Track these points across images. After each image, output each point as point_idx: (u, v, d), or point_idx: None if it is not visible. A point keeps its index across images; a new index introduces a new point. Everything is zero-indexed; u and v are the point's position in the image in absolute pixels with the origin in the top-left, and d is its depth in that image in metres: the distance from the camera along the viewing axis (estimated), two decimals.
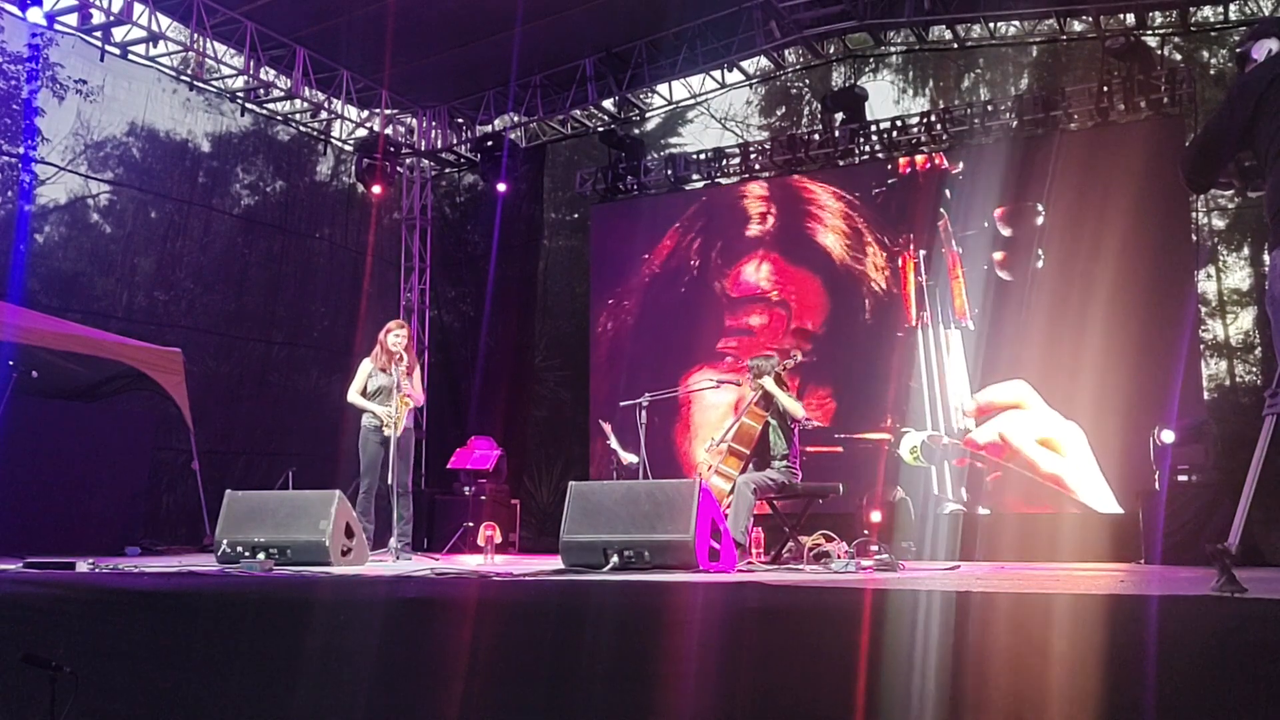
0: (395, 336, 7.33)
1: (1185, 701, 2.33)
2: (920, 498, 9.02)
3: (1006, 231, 9.45)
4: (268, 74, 10.74)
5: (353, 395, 7.38)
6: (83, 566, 5.44)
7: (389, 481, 7.10)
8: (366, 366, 7.40)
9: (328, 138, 11.97)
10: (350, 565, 5.96)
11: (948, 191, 9.79)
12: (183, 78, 10.38)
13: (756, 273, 10.67)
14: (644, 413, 7.36)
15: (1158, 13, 9.55)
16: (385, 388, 7.29)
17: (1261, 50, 3.73)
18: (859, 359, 9.97)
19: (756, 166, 11.03)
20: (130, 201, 10.63)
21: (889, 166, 10.21)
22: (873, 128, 10.39)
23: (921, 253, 9.83)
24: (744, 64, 11.15)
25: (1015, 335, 9.21)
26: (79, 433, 8.52)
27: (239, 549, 5.93)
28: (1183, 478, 7.58)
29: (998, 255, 9.46)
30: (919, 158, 10.06)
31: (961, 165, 9.78)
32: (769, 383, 6.67)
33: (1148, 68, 9.06)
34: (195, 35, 9.74)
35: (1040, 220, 9.29)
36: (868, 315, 10.05)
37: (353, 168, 11.93)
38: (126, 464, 8.84)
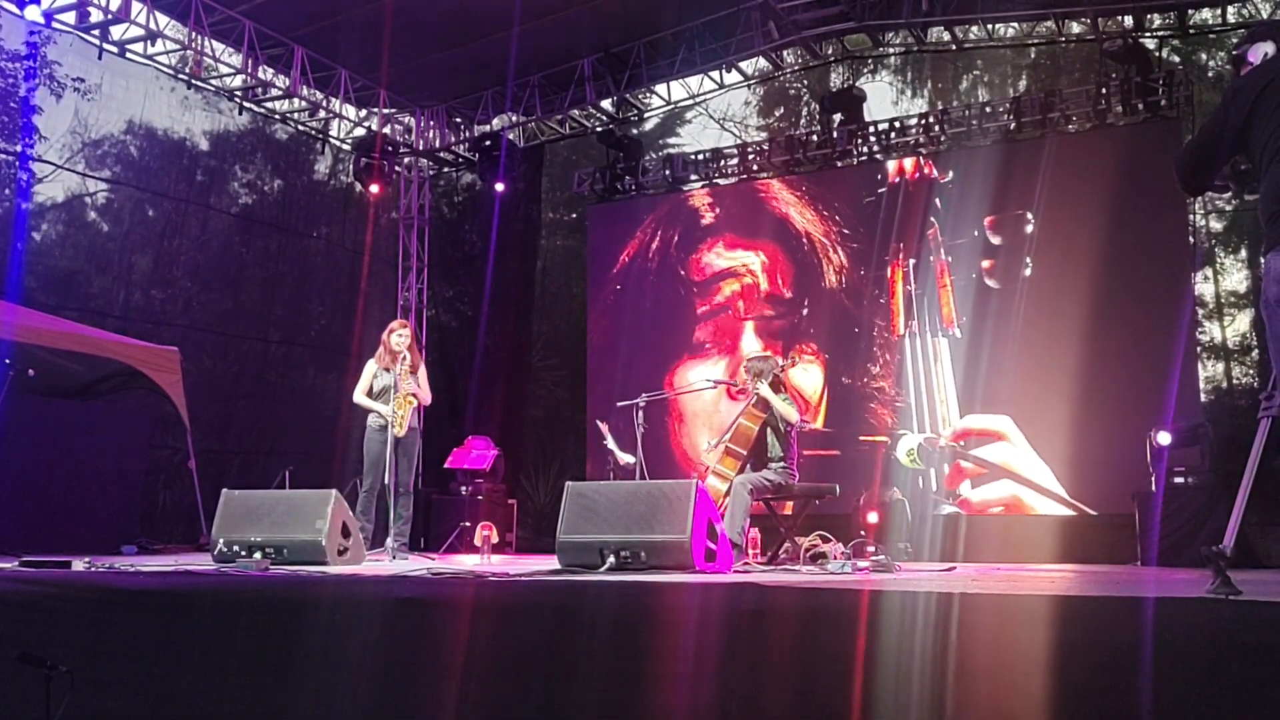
0: (398, 336, 7.34)
1: (1180, 703, 2.33)
2: (916, 499, 9.03)
3: (996, 240, 9.46)
4: (266, 73, 10.73)
5: (358, 396, 7.40)
6: (79, 565, 5.44)
7: (386, 481, 7.10)
8: (371, 367, 7.41)
9: (326, 137, 11.96)
10: (347, 565, 5.97)
11: (938, 201, 9.80)
12: (181, 76, 10.36)
13: (712, 251, 10.86)
14: (641, 413, 7.37)
15: (1156, 15, 9.57)
16: (389, 387, 7.31)
17: (1257, 54, 3.74)
18: (856, 360, 9.98)
19: (755, 167, 11.03)
20: (128, 200, 10.61)
21: (879, 176, 10.21)
22: (870, 129, 10.40)
23: (911, 261, 9.84)
24: (742, 65, 11.16)
25: (1005, 343, 9.21)
26: (75, 431, 8.51)
27: (235, 548, 5.93)
28: (1179, 480, 7.60)
29: (985, 263, 9.47)
30: (908, 165, 10.06)
31: (951, 174, 9.79)
32: (764, 387, 6.67)
33: (1145, 70, 9.07)
34: (193, 34, 9.74)
35: (1030, 228, 9.30)
36: (841, 281, 10.17)
37: (351, 167, 11.91)
38: (123, 462, 8.83)
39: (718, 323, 10.71)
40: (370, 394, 7.35)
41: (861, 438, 9.68)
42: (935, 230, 9.77)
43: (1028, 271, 9.28)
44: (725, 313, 10.68)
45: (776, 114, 15.05)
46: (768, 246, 10.59)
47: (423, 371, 7.52)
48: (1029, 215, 9.30)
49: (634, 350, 11.00)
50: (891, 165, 10.20)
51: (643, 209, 11.46)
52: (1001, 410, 9.20)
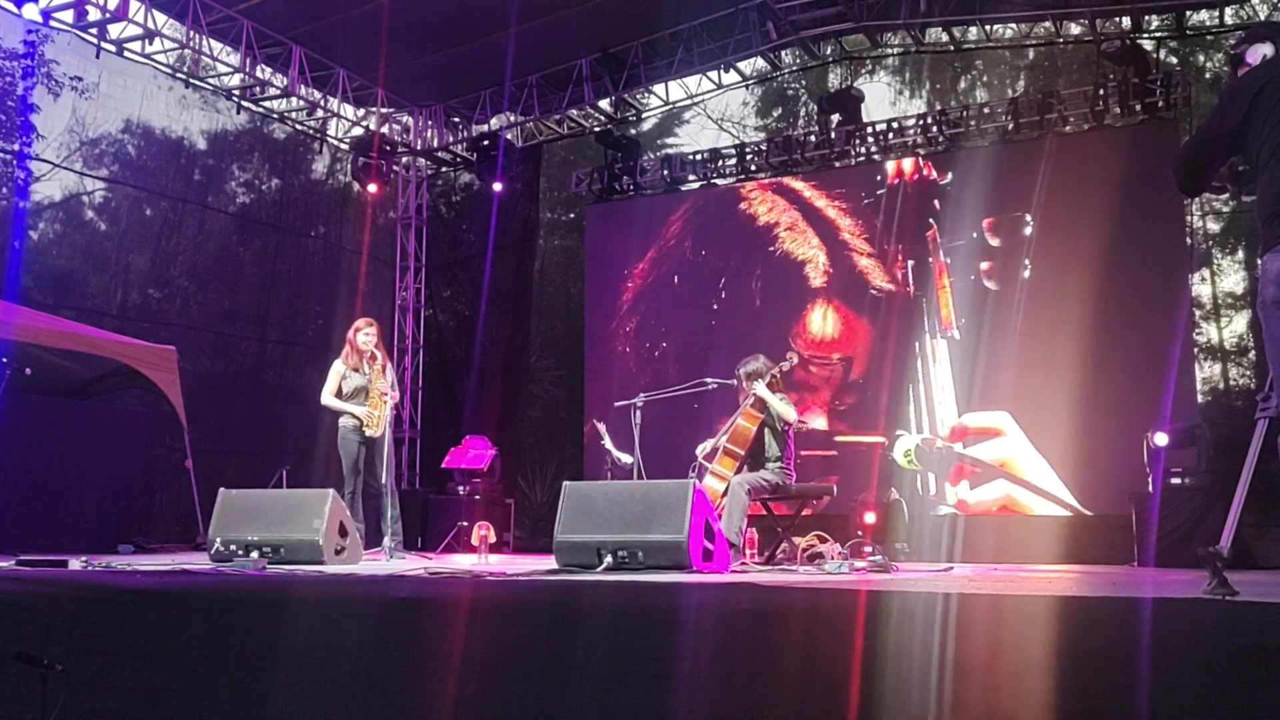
0: (365, 335, 7.30)
1: (1177, 704, 2.33)
2: (914, 500, 9.03)
3: (995, 242, 9.47)
4: (264, 72, 10.73)
5: (327, 398, 7.35)
6: (76, 564, 5.43)
7: (383, 481, 7.08)
8: (339, 368, 7.37)
9: (323, 136, 11.95)
10: (344, 564, 5.96)
11: (936, 202, 9.80)
12: (179, 75, 10.36)
13: (823, 324, 10.20)
14: (638, 413, 7.37)
15: (1154, 16, 9.57)
16: (361, 387, 7.28)
17: (1256, 54, 3.74)
18: (855, 362, 9.97)
19: (753, 168, 11.03)
20: (125, 199, 10.59)
21: (878, 177, 10.20)
22: (869, 129, 10.39)
23: (910, 263, 9.84)
24: (741, 65, 11.15)
25: (1003, 345, 9.22)
26: (73, 430, 8.49)
27: (232, 547, 5.93)
28: (1176, 480, 7.61)
29: (984, 265, 9.47)
30: (907, 166, 10.05)
31: (951, 176, 9.78)
32: (760, 387, 6.68)
33: (1143, 71, 9.08)
34: (191, 33, 9.73)
35: (1028, 231, 9.30)
36: (886, 324, 9.93)
37: (348, 166, 11.90)
38: (120, 462, 8.82)
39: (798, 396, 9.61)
40: (340, 395, 7.31)
41: (858, 438, 9.67)
42: (934, 232, 9.77)
43: (1026, 273, 9.28)
44: (811, 390, 10.03)
45: (774, 114, 15.04)
46: (863, 327, 10.03)
47: (390, 369, 7.48)
48: (1027, 217, 9.31)
49: (637, 350, 10.97)
50: (890, 166, 10.19)
51: (641, 209, 11.41)
52: (1000, 410, 9.20)
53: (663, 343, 10.89)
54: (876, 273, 10.03)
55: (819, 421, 9.86)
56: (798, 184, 10.61)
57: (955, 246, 9.65)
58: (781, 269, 10.51)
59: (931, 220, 9.80)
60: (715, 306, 10.77)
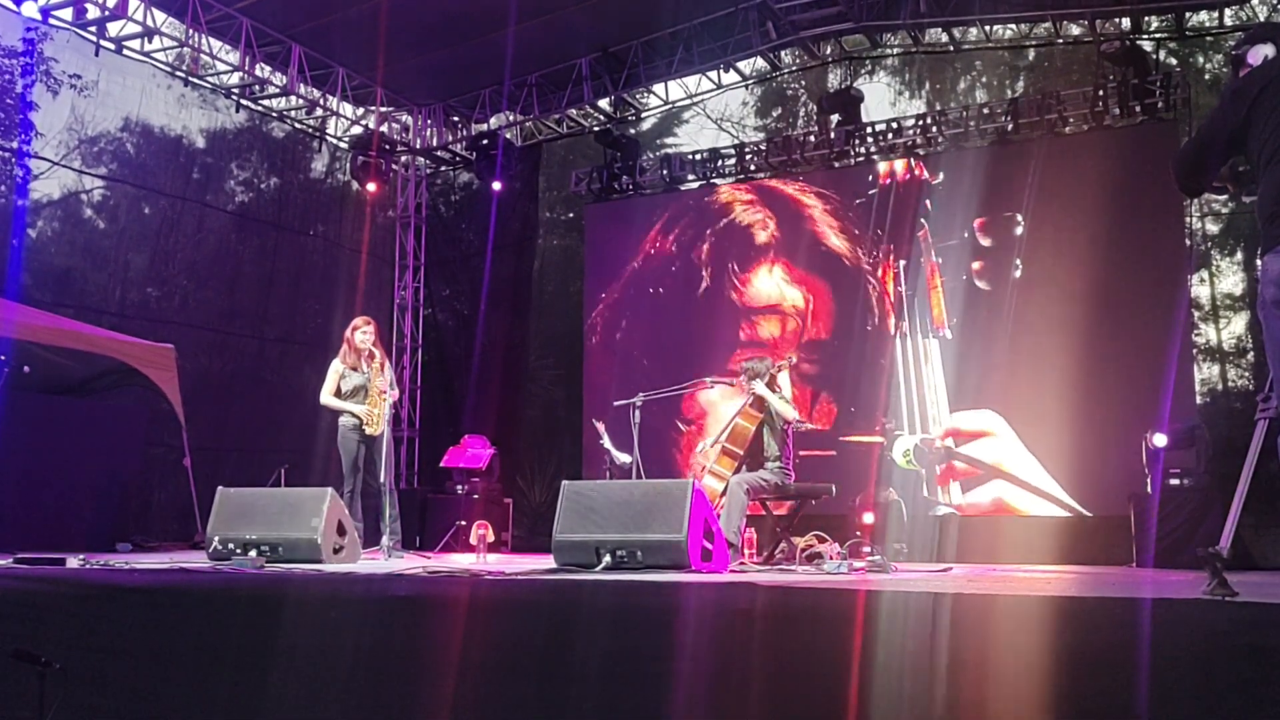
0: (363, 334, 7.30)
1: (1177, 704, 2.33)
2: (912, 500, 9.02)
3: (986, 242, 9.48)
4: (263, 70, 10.71)
5: (326, 398, 7.35)
6: (73, 563, 5.43)
7: (382, 480, 7.08)
8: (337, 367, 7.37)
9: (323, 135, 11.94)
10: (342, 563, 5.96)
11: (928, 202, 9.81)
12: (178, 73, 10.35)
13: (770, 278, 10.47)
14: (638, 412, 7.37)
15: (1154, 17, 9.57)
16: (360, 386, 7.27)
17: (1257, 55, 3.74)
18: (853, 362, 9.97)
19: (752, 168, 11.02)
20: (124, 197, 10.59)
21: (869, 177, 10.20)
22: (868, 129, 10.39)
23: (901, 263, 9.84)
24: (740, 65, 11.14)
25: (995, 345, 9.22)
26: (71, 428, 8.49)
27: (230, 546, 5.93)
28: (1175, 481, 7.61)
29: (976, 265, 9.48)
30: (899, 168, 10.05)
31: (942, 176, 9.79)
32: (760, 386, 6.68)
33: (1143, 72, 9.08)
34: (191, 31, 9.72)
35: (1020, 230, 9.31)
36: (875, 320, 9.97)
37: (348, 165, 11.90)
38: (118, 460, 8.81)
39: (754, 354, 9.76)
40: (339, 394, 7.31)
41: (857, 438, 9.67)
42: (925, 232, 9.77)
43: (1018, 273, 9.29)
44: (763, 346, 10.19)
45: (774, 114, 15.06)
46: (817, 284, 10.23)
47: (388, 366, 7.48)
48: (1018, 217, 9.31)
49: (635, 350, 10.95)
50: (882, 166, 10.19)
51: (640, 208, 11.41)
52: (991, 410, 9.21)
53: (671, 348, 10.86)
54: (831, 235, 10.16)
55: (784, 379, 9.90)
56: (790, 189, 10.57)
57: (947, 246, 9.66)
58: (730, 236, 10.75)
59: (923, 220, 9.80)
60: (734, 314, 10.76)
